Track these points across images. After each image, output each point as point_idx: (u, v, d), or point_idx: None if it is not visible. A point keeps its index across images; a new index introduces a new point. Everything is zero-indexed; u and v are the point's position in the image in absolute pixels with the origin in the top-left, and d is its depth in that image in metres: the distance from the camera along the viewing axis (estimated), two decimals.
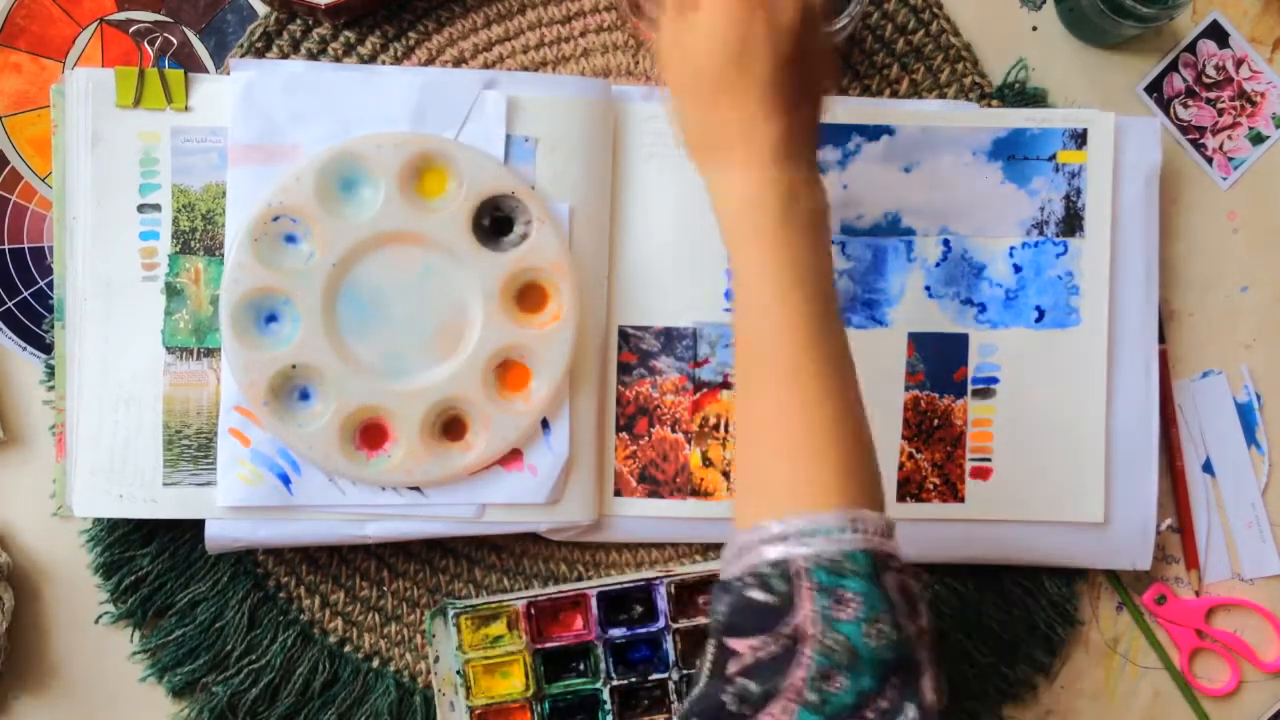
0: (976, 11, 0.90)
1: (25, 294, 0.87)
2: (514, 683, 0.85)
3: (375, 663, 0.88)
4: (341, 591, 0.88)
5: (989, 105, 0.89)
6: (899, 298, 0.87)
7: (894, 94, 0.89)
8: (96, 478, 0.82)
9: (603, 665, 0.85)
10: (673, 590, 0.86)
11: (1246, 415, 0.91)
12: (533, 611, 0.85)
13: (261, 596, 0.87)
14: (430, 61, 0.88)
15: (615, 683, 0.85)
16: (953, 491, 0.87)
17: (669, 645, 0.86)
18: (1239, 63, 0.91)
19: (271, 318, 0.82)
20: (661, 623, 0.86)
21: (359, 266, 0.81)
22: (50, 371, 0.86)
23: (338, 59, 0.87)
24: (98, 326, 0.82)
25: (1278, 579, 0.92)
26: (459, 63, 0.88)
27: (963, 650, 0.89)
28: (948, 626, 0.90)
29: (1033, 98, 0.89)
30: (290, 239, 0.82)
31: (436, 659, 0.85)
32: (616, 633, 0.86)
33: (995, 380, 0.87)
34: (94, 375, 0.82)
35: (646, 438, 0.86)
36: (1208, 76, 0.91)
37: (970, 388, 0.87)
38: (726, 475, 0.86)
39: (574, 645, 0.86)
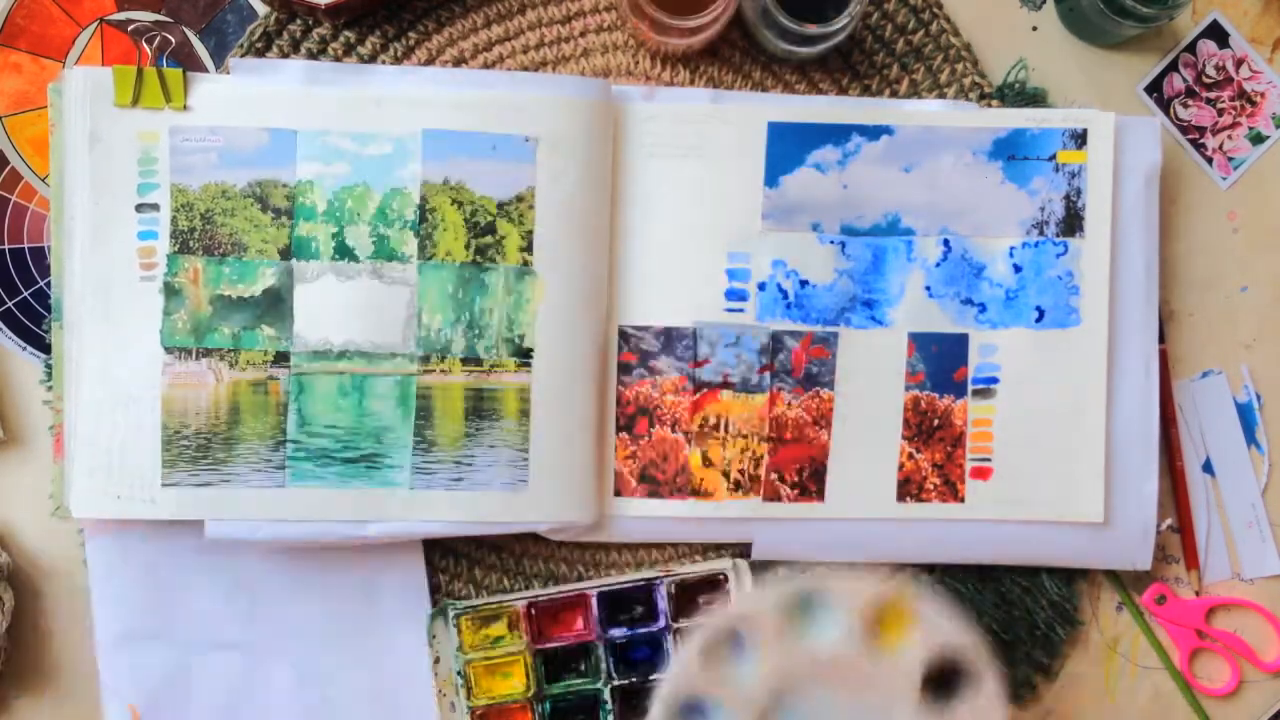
0: (976, 11, 0.90)
1: (25, 294, 0.87)
2: (515, 683, 0.85)
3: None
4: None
5: (989, 105, 0.89)
6: (899, 298, 0.87)
7: (894, 94, 0.89)
8: (95, 478, 0.82)
9: (603, 665, 0.85)
10: (673, 590, 0.86)
11: (1246, 415, 0.91)
12: (533, 612, 0.85)
13: None
14: (430, 61, 0.88)
15: (616, 683, 0.85)
16: (953, 491, 0.87)
17: (669, 645, 0.86)
18: (1239, 63, 0.91)
19: (698, 710, 0.76)
20: (662, 623, 0.86)
21: (799, 694, 0.75)
22: (50, 371, 0.86)
23: (338, 59, 0.87)
24: (96, 326, 0.82)
25: (1278, 579, 0.92)
26: (459, 63, 0.88)
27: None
28: None
29: (1033, 98, 0.89)
30: (739, 645, 0.76)
31: (437, 660, 0.85)
32: (617, 633, 0.86)
33: (995, 380, 0.87)
34: (92, 375, 0.82)
35: (646, 438, 0.86)
36: (1208, 76, 0.91)
37: (970, 388, 0.87)
38: (726, 475, 0.86)
39: (575, 645, 0.86)
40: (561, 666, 0.86)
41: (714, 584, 0.87)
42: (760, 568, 0.88)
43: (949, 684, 0.76)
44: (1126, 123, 0.87)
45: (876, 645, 0.76)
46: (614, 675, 0.85)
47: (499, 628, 0.86)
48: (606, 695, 0.85)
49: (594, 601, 0.85)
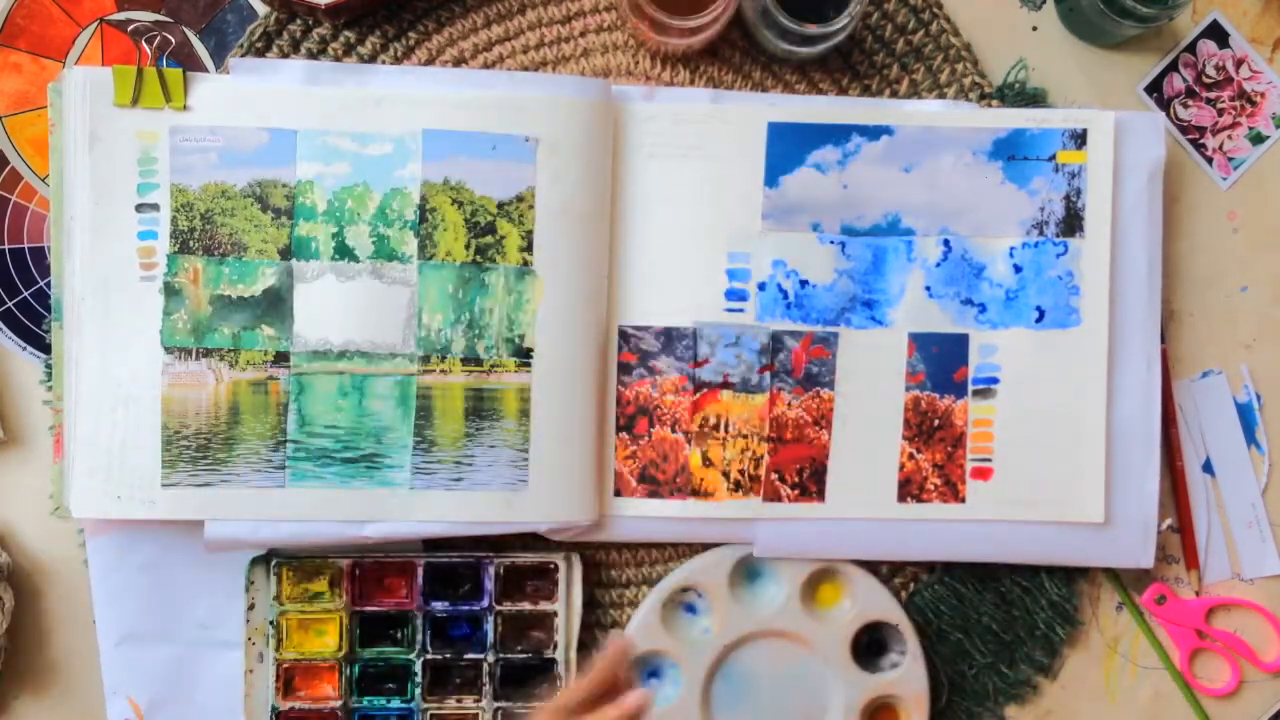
0: (976, 11, 0.90)
1: (25, 294, 0.87)
2: (327, 641, 0.85)
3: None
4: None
5: (989, 105, 0.89)
6: (899, 298, 0.87)
7: (894, 94, 0.89)
8: (94, 478, 0.82)
9: (419, 637, 0.85)
10: (501, 571, 0.86)
11: (1246, 415, 0.91)
12: (357, 572, 0.85)
13: None
14: (430, 61, 0.88)
15: (429, 656, 0.86)
16: (953, 492, 0.87)
17: (489, 626, 0.86)
18: (1239, 63, 0.91)
19: (653, 673, 0.89)
20: (486, 602, 0.86)
21: (745, 651, 0.88)
22: (50, 371, 0.86)
23: (338, 59, 0.87)
24: (96, 326, 0.82)
25: (1278, 579, 0.92)
26: (459, 63, 0.88)
27: (963, 650, 0.89)
28: (948, 627, 0.90)
29: (1033, 98, 0.89)
30: (690, 609, 0.88)
31: (252, 606, 0.85)
32: (438, 605, 0.86)
33: (995, 380, 0.87)
34: (92, 375, 0.82)
35: (646, 438, 0.86)
36: (1208, 76, 0.91)
37: (971, 388, 0.87)
38: (726, 475, 0.86)
39: (394, 612, 0.86)
40: (378, 633, 0.86)
41: (543, 572, 0.87)
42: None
43: (878, 647, 0.90)
44: (1129, 118, 0.87)
45: (816, 607, 0.89)
46: (428, 648, 0.86)
47: (320, 584, 0.85)
48: (418, 667, 0.85)
49: (420, 571, 0.85)
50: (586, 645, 0.87)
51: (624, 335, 0.86)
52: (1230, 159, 0.91)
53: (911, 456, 0.87)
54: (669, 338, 0.86)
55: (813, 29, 0.81)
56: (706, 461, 0.86)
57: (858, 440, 0.87)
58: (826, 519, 0.87)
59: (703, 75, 0.89)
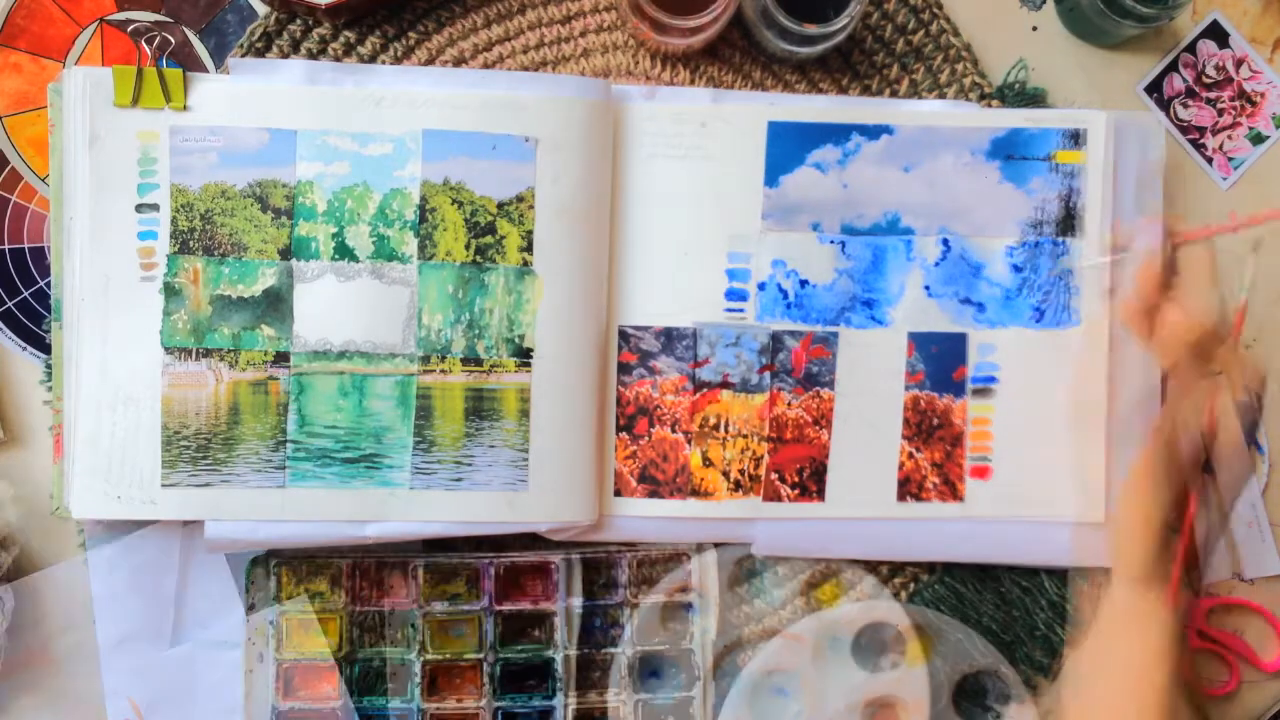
0: (976, 11, 0.90)
1: (25, 294, 0.87)
2: (327, 641, 0.85)
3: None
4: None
5: (989, 105, 0.89)
6: (898, 297, 0.87)
7: (894, 94, 0.89)
8: (94, 479, 0.82)
9: (419, 637, 0.85)
10: (500, 571, 0.86)
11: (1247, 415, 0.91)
12: (356, 572, 0.85)
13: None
14: (430, 61, 0.88)
15: (429, 656, 0.86)
16: (952, 491, 0.87)
17: (489, 626, 0.86)
18: (1239, 63, 0.91)
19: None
20: (485, 603, 0.86)
21: (749, 650, 0.89)
22: (50, 372, 0.86)
23: (338, 59, 0.87)
24: (95, 327, 0.82)
25: (1278, 579, 0.92)
26: (459, 63, 0.88)
27: (963, 650, 0.89)
28: (947, 627, 0.90)
29: (1032, 98, 0.89)
30: (780, 691, 0.88)
31: (252, 606, 0.85)
32: (439, 606, 0.86)
33: (994, 380, 0.87)
34: (92, 376, 0.82)
35: (646, 438, 0.86)
36: (1208, 76, 0.91)
37: (970, 387, 0.87)
38: (726, 475, 0.86)
39: (392, 612, 0.86)
40: (377, 633, 0.86)
41: (542, 571, 0.87)
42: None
43: (879, 647, 0.90)
44: (1129, 119, 0.87)
45: (815, 606, 0.89)
46: (428, 649, 0.86)
47: (320, 584, 0.86)
48: (417, 669, 0.85)
49: (420, 571, 0.86)
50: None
51: (624, 335, 0.86)
52: (1230, 159, 0.91)
53: (911, 456, 0.87)
54: (669, 338, 0.86)
55: (812, 29, 0.81)
56: (706, 461, 0.86)
57: (857, 439, 0.87)
58: (826, 518, 0.87)
59: (703, 75, 0.89)
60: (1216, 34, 0.91)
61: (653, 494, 0.87)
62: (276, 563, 0.85)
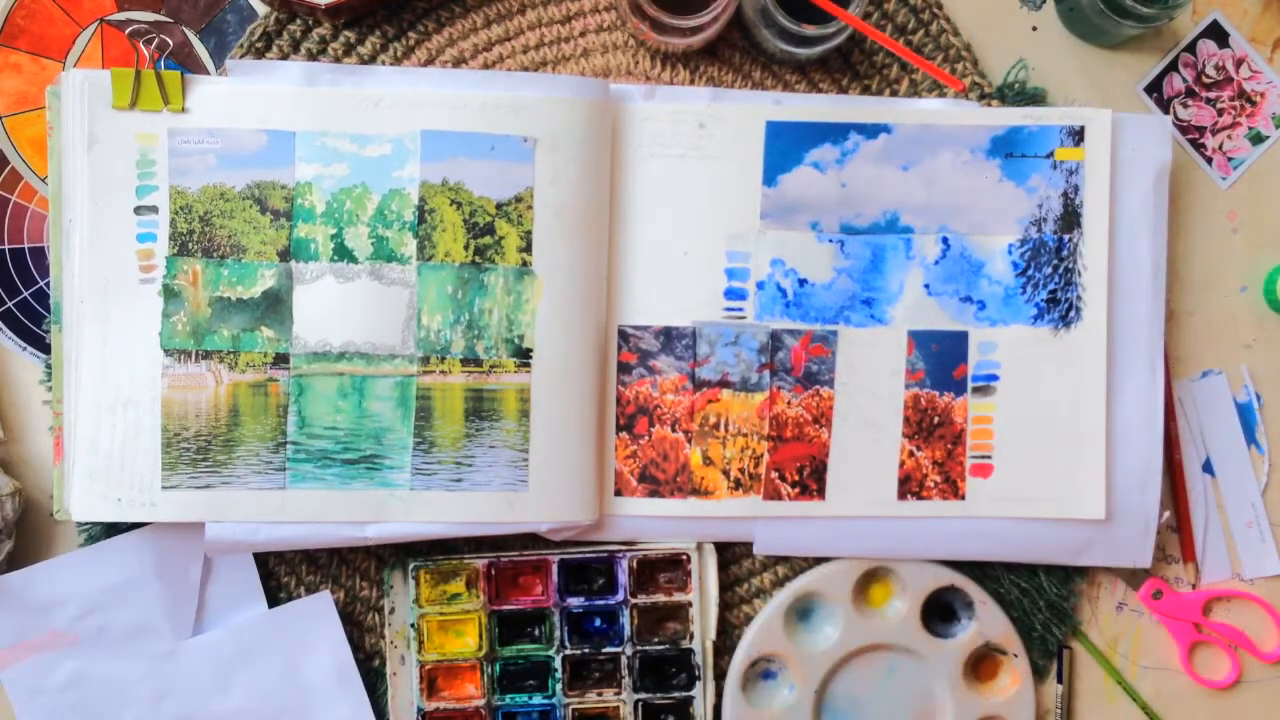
0: (976, 11, 0.90)
1: (25, 294, 0.88)
2: (467, 641, 0.86)
3: (375, 662, 0.88)
4: (341, 591, 0.88)
5: (989, 105, 0.89)
6: (898, 296, 0.87)
7: (894, 94, 0.89)
8: (94, 481, 0.82)
9: (557, 633, 0.86)
10: (634, 565, 0.86)
11: (1246, 415, 0.91)
12: (493, 572, 0.86)
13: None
14: (430, 62, 0.88)
15: (568, 652, 0.86)
16: (953, 489, 0.87)
17: (625, 619, 0.86)
18: (1239, 63, 0.91)
19: (768, 675, 0.90)
20: (620, 596, 0.86)
21: (834, 685, 0.90)
22: (50, 372, 0.86)
23: (338, 59, 0.87)
24: (95, 329, 0.82)
25: (1278, 579, 0.92)
26: (459, 63, 0.88)
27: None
28: None
29: (1032, 97, 0.89)
30: (768, 675, 0.90)
31: (392, 610, 0.86)
32: (574, 602, 0.86)
33: (995, 378, 0.87)
34: (91, 378, 0.82)
35: (646, 437, 0.87)
36: (1208, 76, 0.91)
37: (970, 385, 0.87)
38: (726, 474, 0.86)
39: (531, 610, 0.86)
40: (515, 631, 0.87)
41: (675, 562, 0.87)
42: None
43: (943, 612, 0.91)
44: (1135, 120, 0.87)
45: (872, 609, 0.90)
46: (567, 644, 0.86)
47: (457, 585, 0.86)
48: (558, 663, 0.86)
49: (555, 568, 0.86)
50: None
51: (624, 335, 0.86)
52: (1230, 159, 0.91)
53: (911, 454, 0.87)
54: (668, 337, 0.86)
55: (811, 30, 0.81)
56: (707, 460, 0.87)
57: (858, 438, 0.87)
58: (827, 517, 0.87)
59: (703, 75, 0.89)
60: (1216, 34, 0.91)
61: (653, 493, 0.87)
62: (414, 566, 0.85)
